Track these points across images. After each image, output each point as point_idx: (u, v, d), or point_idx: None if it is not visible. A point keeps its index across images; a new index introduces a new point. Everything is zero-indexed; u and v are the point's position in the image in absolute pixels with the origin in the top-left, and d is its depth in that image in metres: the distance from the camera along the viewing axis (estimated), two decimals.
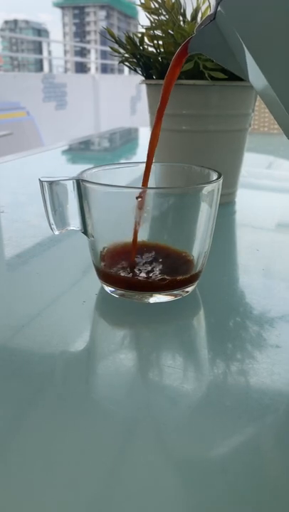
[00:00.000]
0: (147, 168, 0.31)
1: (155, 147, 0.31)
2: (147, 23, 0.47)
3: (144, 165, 0.32)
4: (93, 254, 0.32)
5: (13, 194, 0.62)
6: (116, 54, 0.50)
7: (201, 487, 0.18)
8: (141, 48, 0.48)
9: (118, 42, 0.49)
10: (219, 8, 0.24)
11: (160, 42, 0.47)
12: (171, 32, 0.45)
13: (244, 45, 0.24)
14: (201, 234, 0.31)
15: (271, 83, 0.24)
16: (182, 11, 0.47)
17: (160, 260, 0.31)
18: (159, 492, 0.18)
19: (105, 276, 0.31)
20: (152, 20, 0.47)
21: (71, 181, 0.30)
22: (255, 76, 0.25)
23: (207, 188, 0.29)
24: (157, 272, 0.30)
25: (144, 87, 0.53)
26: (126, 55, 0.50)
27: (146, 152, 0.31)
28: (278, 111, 0.24)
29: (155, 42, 0.48)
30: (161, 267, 0.31)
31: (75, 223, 0.31)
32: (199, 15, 0.47)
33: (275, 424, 0.21)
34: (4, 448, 0.20)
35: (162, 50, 0.48)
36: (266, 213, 0.53)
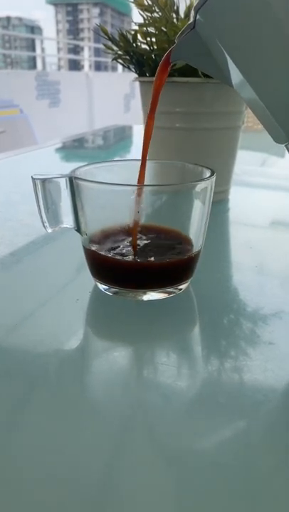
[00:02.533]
0: (142, 167, 0.32)
1: (147, 150, 0.31)
2: (140, 20, 0.47)
3: (138, 162, 0.32)
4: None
5: (5, 192, 0.61)
6: (109, 51, 0.50)
7: (194, 482, 0.18)
8: (134, 45, 0.48)
9: (111, 39, 0.49)
10: (198, 17, 0.24)
11: (153, 39, 0.47)
12: (165, 29, 0.45)
13: (225, 53, 0.24)
14: (195, 231, 0.31)
15: (255, 89, 0.24)
16: (175, 8, 0.46)
17: (156, 244, 0.31)
18: (153, 488, 0.18)
19: (98, 266, 0.31)
20: (145, 17, 0.47)
21: (64, 179, 0.30)
22: (239, 82, 0.25)
23: (200, 186, 0.29)
24: (152, 253, 0.30)
25: (137, 84, 0.53)
26: (119, 53, 0.49)
27: (141, 153, 0.31)
28: (263, 115, 0.25)
29: (148, 39, 0.48)
30: (157, 251, 0.31)
31: (68, 221, 0.31)
32: (192, 12, 0.47)
33: (267, 421, 0.21)
34: None
35: (155, 47, 0.47)
36: (259, 211, 0.54)
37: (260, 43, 0.23)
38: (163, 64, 0.29)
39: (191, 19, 0.25)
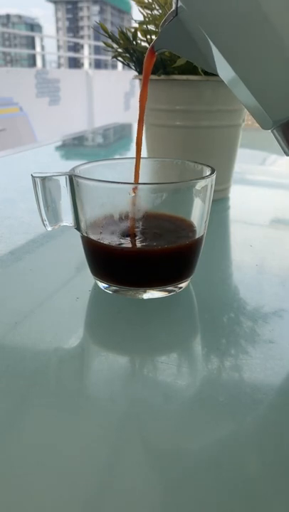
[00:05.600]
0: (137, 164, 0.32)
1: (141, 143, 0.32)
2: (140, 18, 0.47)
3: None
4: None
5: (5, 190, 0.61)
6: (109, 49, 0.49)
7: (194, 481, 0.18)
8: (134, 42, 0.48)
9: (111, 37, 0.49)
10: (180, 4, 0.24)
11: (153, 37, 0.47)
12: None
13: (209, 40, 0.23)
14: (195, 229, 0.31)
15: (240, 75, 0.24)
16: None
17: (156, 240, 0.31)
18: (153, 487, 0.18)
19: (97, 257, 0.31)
20: (145, 14, 0.47)
21: (64, 177, 0.30)
22: (224, 70, 0.25)
23: (200, 184, 0.29)
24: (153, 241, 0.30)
25: (137, 82, 0.52)
26: (119, 50, 0.49)
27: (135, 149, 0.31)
28: (249, 102, 0.24)
29: (148, 37, 0.47)
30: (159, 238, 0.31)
31: (67, 219, 0.31)
32: None
33: (267, 419, 0.21)
34: None
35: None
36: (260, 209, 0.53)
37: (243, 28, 0.23)
38: (148, 54, 0.29)
39: (173, 6, 0.25)
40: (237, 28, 0.23)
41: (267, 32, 0.22)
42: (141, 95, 0.32)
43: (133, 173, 0.32)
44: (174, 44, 0.27)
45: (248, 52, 0.23)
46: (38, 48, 6.67)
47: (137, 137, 0.31)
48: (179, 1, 0.24)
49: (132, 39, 0.48)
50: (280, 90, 0.23)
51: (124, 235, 0.31)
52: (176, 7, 0.24)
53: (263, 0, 0.21)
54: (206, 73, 0.44)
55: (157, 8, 0.46)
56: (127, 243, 0.30)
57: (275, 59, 0.23)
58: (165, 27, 0.26)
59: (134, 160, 0.32)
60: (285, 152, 0.26)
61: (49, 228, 0.31)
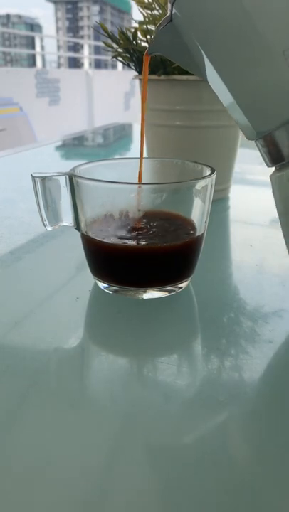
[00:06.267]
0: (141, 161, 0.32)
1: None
2: (140, 17, 0.47)
3: (137, 160, 0.32)
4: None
5: (5, 190, 0.61)
6: (109, 49, 0.49)
7: (194, 481, 0.18)
8: (134, 42, 0.48)
9: (111, 37, 0.49)
10: (174, 11, 0.24)
11: (153, 37, 0.47)
12: None
13: (200, 48, 0.24)
14: (195, 230, 0.31)
15: (228, 86, 0.24)
16: None
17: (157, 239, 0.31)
18: (153, 487, 0.18)
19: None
20: (145, 14, 0.47)
21: (64, 177, 0.30)
22: (213, 78, 0.25)
23: (200, 184, 0.29)
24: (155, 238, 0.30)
25: (137, 82, 0.52)
26: (119, 50, 0.49)
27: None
28: (236, 112, 0.25)
29: (148, 37, 0.47)
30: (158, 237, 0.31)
31: (67, 219, 0.31)
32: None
33: (267, 419, 0.21)
34: None
35: None
36: (260, 209, 0.53)
37: (232, 39, 0.23)
38: (145, 56, 0.30)
39: (168, 12, 0.25)
40: (227, 39, 0.23)
41: (256, 46, 0.22)
42: (142, 99, 0.32)
43: (134, 173, 0.32)
44: (167, 49, 0.27)
45: (236, 63, 0.23)
46: (37, 48, 6.67)
47: (141, 140, 0.32)
48: (174, 8, 0.24)
49: (131, 39, 0.48)
50: (265, 104, 0.24)
51: (125, 234, 0.31)
52: (171, 13, 0.25)
53: (254, 13, 0.22)
54: None
55: (157, 8, 0.46)
56: (127, 243, 0.30)
57: (262, 74, 0.23)
58: (159, 31, 0.26)
59: (138, 161, 0.32)
60: (266, 163, 0.26)
61: (49, 228, 0.31)
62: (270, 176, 0.26)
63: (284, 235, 0.27)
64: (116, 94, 5.76)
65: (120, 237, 0.30)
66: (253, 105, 0.24)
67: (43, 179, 0.29)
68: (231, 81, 0.24)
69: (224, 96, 0.25)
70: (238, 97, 0.24)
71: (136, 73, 0.51)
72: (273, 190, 0.26)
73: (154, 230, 0.31)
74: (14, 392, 0.23)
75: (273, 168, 0.26)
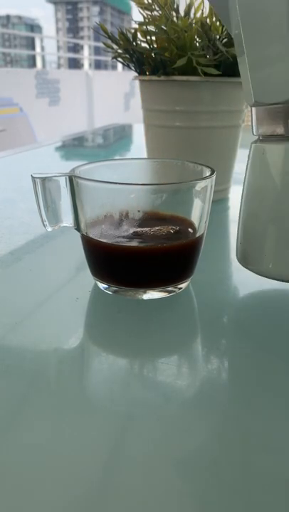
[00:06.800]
0: None
1: None
2: (140, 18, 0.47)
3: (137, 161, 0.32)
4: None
5: (5, 190, 0.61)
6: (109, 50, 0.50)
7: (194, 481, 0.18)
8: (134, 43, 0.48)
9: (111, 37, 0.49)
10: None
11: (153, 37, 0.47)
12: (165, 27, 0.45)
13: (237, 4, 0.27)
14: (195, 230, 0.31)
15: (245, 42, 0.27)
16: (175, 6, 0.46)
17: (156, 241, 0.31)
18: (153, 487, 0.18)
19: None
20: (145, 15, 0.47)
21: (64, 177, 0.30)
22: (236, 31, 0.28)
23: (200, 184, 0.29)
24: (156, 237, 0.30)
25: (137, 83, 0.53)
26: (119, 51, 0.49)
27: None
28: (244, 75, 0.28)
29: (148, 38, 0.47)
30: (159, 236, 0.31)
31: (67, 220, 0.31)
32: (192, 10, 0.47)
33: (267, 419, 0.21)
34: None
35: (155, 45, 0.47)
36: None
37: (267, 13, 0.26)
38: None
39: None
40: (263, 10, 0.26)
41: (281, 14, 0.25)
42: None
43: (134, 174, 0.32)
44: None
45: (262, 33, 0.26)
46: (37, 49, 6.67)
47: None
48: None
49: (131, 40, 0.48)
50: (272, 78, 0.27)
51: (124, 235, 0.31)
52: None
53: None
54: (206, 74, 0.45)
55: (157, 9, 0.46)
56: (127, 243, 0.30)
57: (279, 52, 0.26)
58: None
59: (138, 161, 0.32)
60: (252, 130, 0.30)
61: (49, 229, 0.31)
62: (251, 143, 0.30)
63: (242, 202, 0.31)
64: (116, 95, 5.76)
65: (120, 238, 0.30)
66: (261, 74, 0.27)
67: (43, 180, 0.29)
68: (251, 39, 0.27)
69: (240, 56, 0.28)
70: (251, 63, 0.27)
71: (136, 74, 0.51)
72: (248, 157, 0.30)
73: (154, 230, 0.31)
74: (14, 392, 0.23)
75: (257, 137, 0.30)
